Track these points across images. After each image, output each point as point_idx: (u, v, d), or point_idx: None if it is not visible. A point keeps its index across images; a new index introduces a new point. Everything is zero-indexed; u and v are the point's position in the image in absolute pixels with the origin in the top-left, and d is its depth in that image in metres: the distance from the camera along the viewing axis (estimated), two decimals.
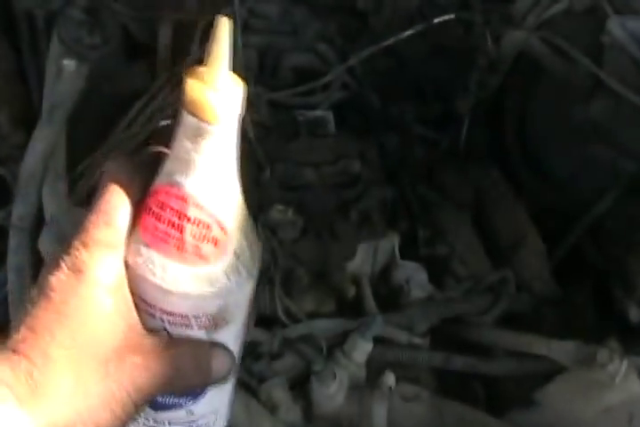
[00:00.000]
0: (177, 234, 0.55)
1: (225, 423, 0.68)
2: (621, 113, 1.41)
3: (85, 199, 1.35)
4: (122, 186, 0.56)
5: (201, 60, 0.54)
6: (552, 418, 1.12)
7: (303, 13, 1.62)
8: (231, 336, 0.61)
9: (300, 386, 1.11)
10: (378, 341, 1.15)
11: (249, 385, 1.08)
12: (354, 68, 1.66)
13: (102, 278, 0.55)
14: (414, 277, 1.25)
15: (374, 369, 1.16)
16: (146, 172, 0.58)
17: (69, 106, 1.39)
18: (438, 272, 1.32)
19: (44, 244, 1.18)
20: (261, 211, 1.19)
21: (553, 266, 1.51)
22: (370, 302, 1.19)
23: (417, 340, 1.18)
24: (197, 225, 0.55)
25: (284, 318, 1.11)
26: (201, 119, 0.53)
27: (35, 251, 1.24)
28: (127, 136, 1.41)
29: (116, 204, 0.56)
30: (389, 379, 1.10)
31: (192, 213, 0.55)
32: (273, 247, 1.14)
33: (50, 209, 1.28)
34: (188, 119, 0.54)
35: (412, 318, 1.19)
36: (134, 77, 1.54)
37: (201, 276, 0.56)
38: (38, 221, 1.30)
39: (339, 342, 1.14)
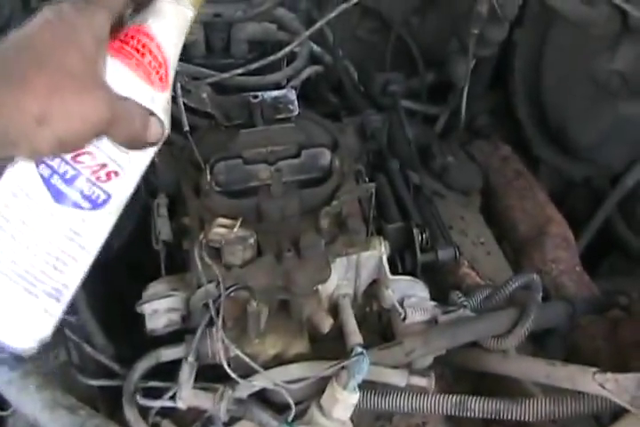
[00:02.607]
0: (139, 56, 0.72)
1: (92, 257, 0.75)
2: None
3: None
4: None
5: None
6: None
7: None
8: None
9: None
10: (367, 385, 0.88)
11: None
12: (324, 35, 1.38)
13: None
14: (411, 296, 0.97)
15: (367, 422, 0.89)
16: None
17: None
18: (443, 285, 1.04)
19: None
20: (201, 227, 0.91)
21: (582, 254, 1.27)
22: (354, 336, 0.91)
23: (418, 380, 0.90)
24: (154, 59, 0.73)
25: (231, 372, 0.82)
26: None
27: None
28: None
29: None
30: None
31: (154, 49, 0.73)
32: (217, 275, 0.85)
33: None
34: None
35: (410, 351, 0.91)
36: None
37: (143, 94, 0.72)
38: None
39: (314, 395, 0.86)
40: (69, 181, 0.70)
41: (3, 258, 0.71)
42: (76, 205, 0.70)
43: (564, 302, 1.03)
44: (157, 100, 0.73)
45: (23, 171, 0.71)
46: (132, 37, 0.72)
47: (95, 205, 0.71)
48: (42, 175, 0.70)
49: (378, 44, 1.50)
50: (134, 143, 0.72)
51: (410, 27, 1.45)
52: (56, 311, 0.75)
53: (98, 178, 0.71)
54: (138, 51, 0.71)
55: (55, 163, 0.70)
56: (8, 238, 0.70)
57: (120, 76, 0.70)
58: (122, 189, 0.74)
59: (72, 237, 0.72)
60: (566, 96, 1.40)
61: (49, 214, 0.70)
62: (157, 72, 0.72)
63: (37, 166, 0.70)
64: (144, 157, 0.75)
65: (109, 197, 0.72)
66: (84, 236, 0.72)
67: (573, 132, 1.40)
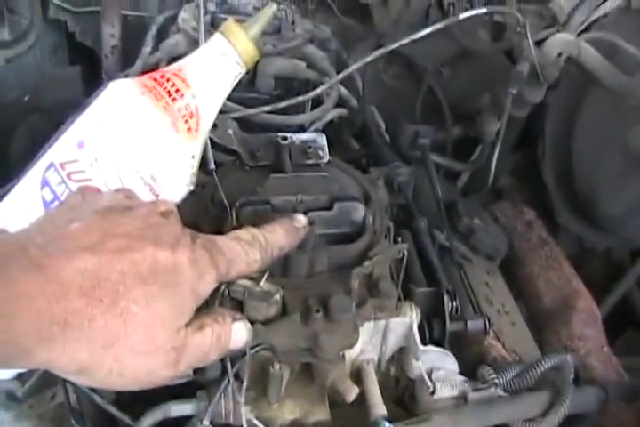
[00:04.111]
0: (169, 100, 0.69)
1: None
2: None
3: None
4: None
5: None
6: None
7: (290, 9, 1.28)
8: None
9: None
10: None
11: None
12: (353, 79, 1.32)
13: None
14: (440, 368, 0.89)
15: None
16: None
17: None
18: (466, 354, 0.97)
19: None
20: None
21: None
22: (378, 407, 0.83)
23: None
24: (186, 107, 0.70)
25: None
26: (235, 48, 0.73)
27: None
28: None
29: None
30: None
31: (188, 96, 0.70)
32: None
33: None
34: (224, 44, 0.73)
35: None
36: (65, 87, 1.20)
37: (164, 139, 0.70)
38: None
39: None
40: None
41: None
42: None
43: (597, 388, 0.96)
44: (181, 150, 0.71)
45: (27, 190, 0.72)
46: (168, 80, 0.70)
47: None
48: (43, 198, 0.71)
49: (402, 92, 1.44)
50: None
51: (440, 78, 1.40)
52: None
53: None
54: (170, 94, 0.69)
55: (59, 189, 0.70)
56: None
57: (143, 117, 0.67)
58: None
59: None
60: (596, 164, 1.35)
61: None
62: (186, 121, 0.70)
63: (41, 188, 0.71)
64: None
65: None
66: None
67: (600, 202, 1.34)
